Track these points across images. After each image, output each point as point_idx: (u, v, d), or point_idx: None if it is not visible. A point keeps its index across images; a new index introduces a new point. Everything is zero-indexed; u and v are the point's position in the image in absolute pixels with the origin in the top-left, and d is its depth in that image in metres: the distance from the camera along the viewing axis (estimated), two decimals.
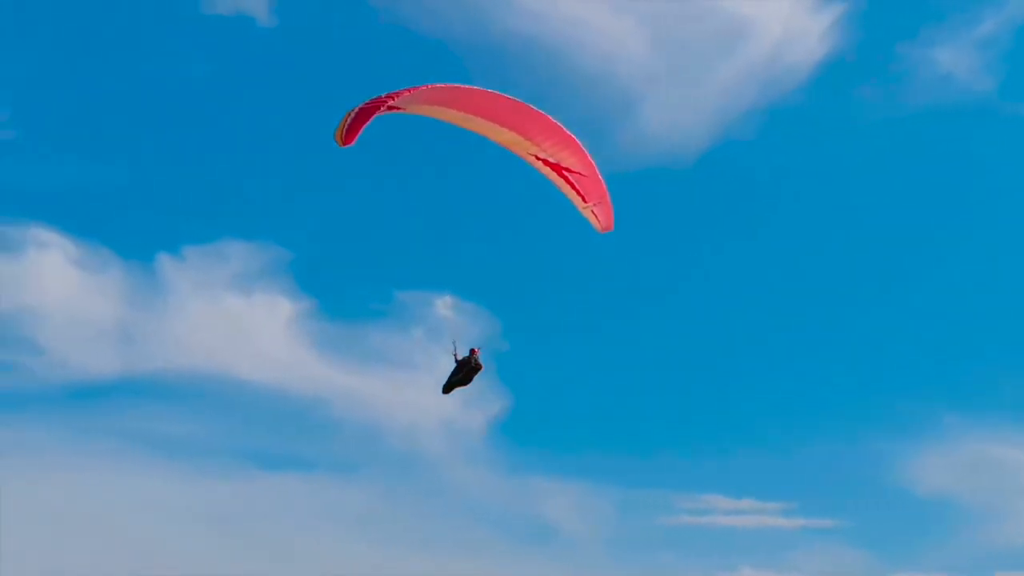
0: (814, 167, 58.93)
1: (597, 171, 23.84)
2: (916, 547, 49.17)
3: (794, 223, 58.48)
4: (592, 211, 24.19)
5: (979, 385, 53.04)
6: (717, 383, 55.18)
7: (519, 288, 54.71)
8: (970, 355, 54.57)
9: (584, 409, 53.85)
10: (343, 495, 49.48)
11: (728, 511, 51.01)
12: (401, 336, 50.74)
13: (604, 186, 23.93)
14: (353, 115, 21.34)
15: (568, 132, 23.37)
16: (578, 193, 23.99)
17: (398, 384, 50.83)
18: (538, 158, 23.70)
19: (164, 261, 51.94)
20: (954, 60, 55.93)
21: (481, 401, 51.27)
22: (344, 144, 21.30)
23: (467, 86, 22.50)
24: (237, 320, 51.53)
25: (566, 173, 23.82)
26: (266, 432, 49.72)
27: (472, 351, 23.96)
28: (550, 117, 23.19)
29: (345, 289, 52.73)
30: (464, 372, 23.86)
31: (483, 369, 23.86)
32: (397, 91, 21.75)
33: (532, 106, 22.98)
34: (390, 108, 21.72)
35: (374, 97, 21.61)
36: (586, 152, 23.64)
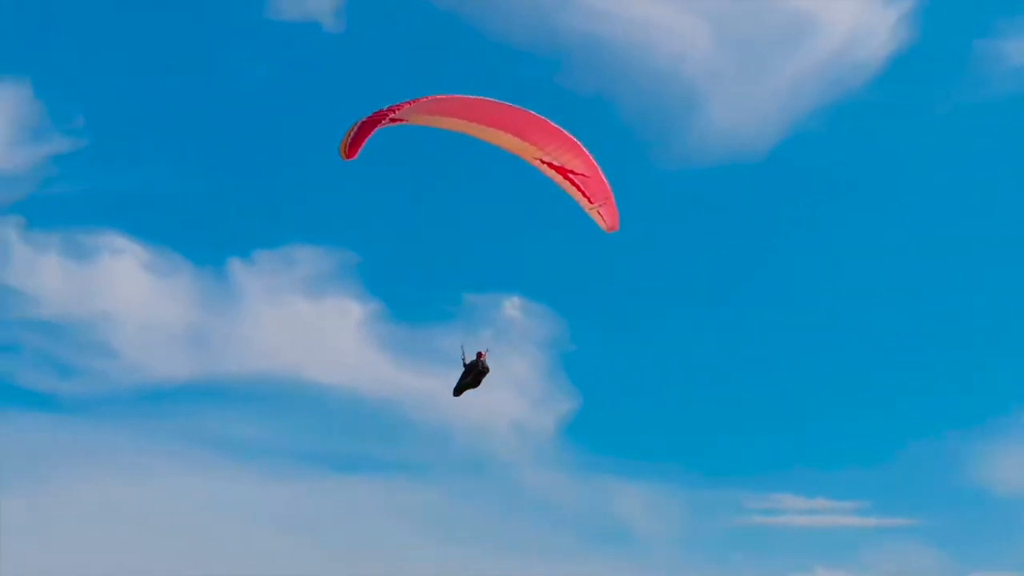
0: (886, 162, 57.91)
1: (600, 173, 24.29)
2: (993, 547, 47.99)
3: (867, 219, 57.63)
4: (598, 211, 24.64)
5: None
6: (787, 381, 54.66)
7: (586, 288, 55.18)
8: None
9: (654, 408, 53.95)
10: (415, 496, 50.29)
11: (801, 510, 50.49)
12: (469, 338, 51.41)
13: (608, 187, 24.37)
14: (356, 129, 22.36)
15: (570, 135, 23.90)
16: (583, 194, 24.47)
17: None
18: (543, 162, 24.23)
19: (235, 266, 52.84)
20: None
21: (551, 402, 51.88)
22: (347, 158, 22.26)
23: (467, 96, 23.26)
24: (307, 323, 52.34)
25: (571, 175, 24.34)
26: (337, 434, 50.76)
27: (479, 354, 24.71)
28: (551, 122, 23.83)
29: (413, 291, 53.07)
30: (473, 375, 24.65)
31: (490, 372, 24.61)
32: (399, 104, 22.73)
33: (532, 112, 23.67)
34: (392, 120, 22.64)
35: (377, 110, 22.66)
36: (589, 154, 24.13)
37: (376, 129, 22.43)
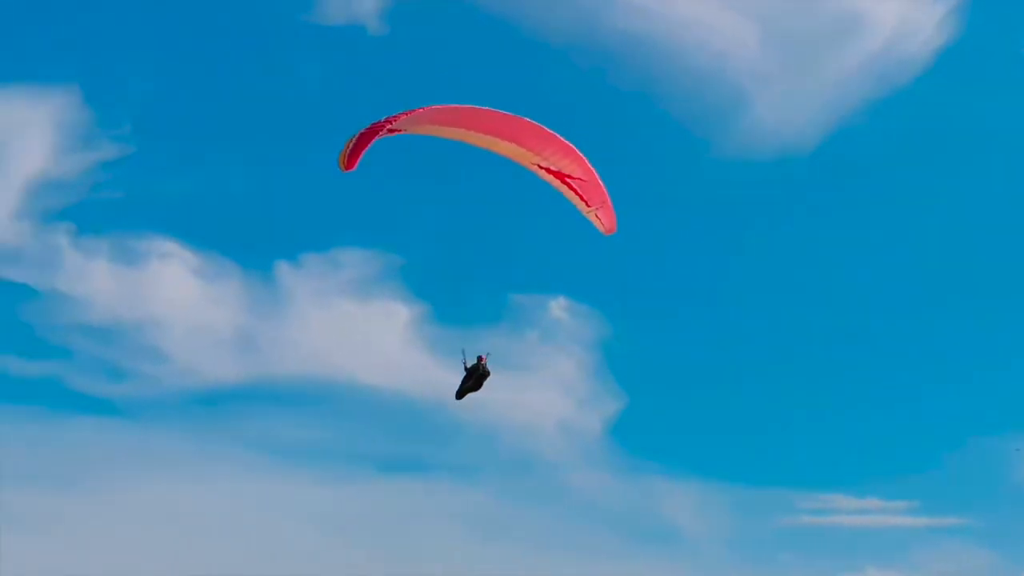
0: (934, 157, 57.01)
1: (597, 176, 24.73)
2: None
3: (916, 215, 56.80)
4: (596, 215, 25.11)
5: None
6: (838, 379, 54.19)
7: (632, 288, 55.32)
8: None
9: (701, 408, 53.88)
10: (462, 497, 50.83)
11: (851, 510, 50.09)
12: (515, 339, 51.93)
13: (605, 190, 24.82)
14: (354, 140, 23.18)
15: (566, 141, 24.40)
16: (581, 198, 24.94)
17: (514, 387, 51.88)
18: (541, 167, 24.73)
19: (282, 269, 53.60)
20: None
21: (597, 402, 52.18)
22: (346, 169, 23.06)
23: (463, 105, 23.92)
24: (354, 326, 52.84)
25: (568, 180, 24.83)
26: (385, 436, 51.34)
27: (480, 358, 25.38)
28: (546, 128, 24.38)
29: (458, 293, 53.45)
30: (474, 379, 25.35)
31: (490, 375, 25.29)
32: (396, 115, 23.49)
33: (527, 119, 24.25)
34: (390, 131, 23.41)
35: (375, 122, 23.46)
36: (585, 159, 24.61)
37: (374, 140, 23.20)
